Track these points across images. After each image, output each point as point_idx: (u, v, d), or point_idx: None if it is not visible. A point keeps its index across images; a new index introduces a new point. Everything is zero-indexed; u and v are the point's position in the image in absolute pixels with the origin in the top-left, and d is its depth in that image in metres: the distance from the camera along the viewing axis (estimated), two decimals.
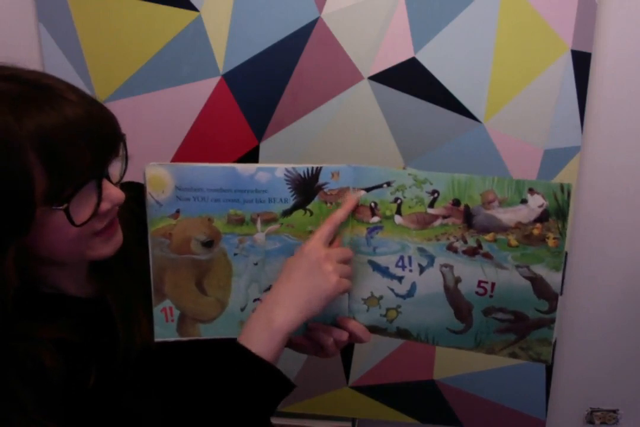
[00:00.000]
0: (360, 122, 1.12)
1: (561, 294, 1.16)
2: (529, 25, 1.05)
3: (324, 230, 0.68)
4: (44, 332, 0.59)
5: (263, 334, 0.64)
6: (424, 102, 1.10)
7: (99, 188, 0.58)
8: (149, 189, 0.66)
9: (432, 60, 1.08)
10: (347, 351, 1.24)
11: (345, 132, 1.13)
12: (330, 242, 0.70)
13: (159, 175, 0.66)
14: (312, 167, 0.68)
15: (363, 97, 1.11)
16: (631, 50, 1.07)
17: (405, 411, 1.28)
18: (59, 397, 0.58)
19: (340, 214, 0.69)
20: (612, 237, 1.16)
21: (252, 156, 1.14)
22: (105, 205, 0.59)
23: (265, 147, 1.14)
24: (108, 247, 0.63)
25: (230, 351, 0.64)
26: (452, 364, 1.23)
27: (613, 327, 1.21)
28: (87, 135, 0.55)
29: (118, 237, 0.64)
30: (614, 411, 1.28)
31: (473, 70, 1.08)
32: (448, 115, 1.10)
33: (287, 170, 0.67)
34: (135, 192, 0.66)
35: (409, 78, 1.09)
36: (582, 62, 1.06)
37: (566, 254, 1.15)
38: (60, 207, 0.55)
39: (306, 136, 1.13)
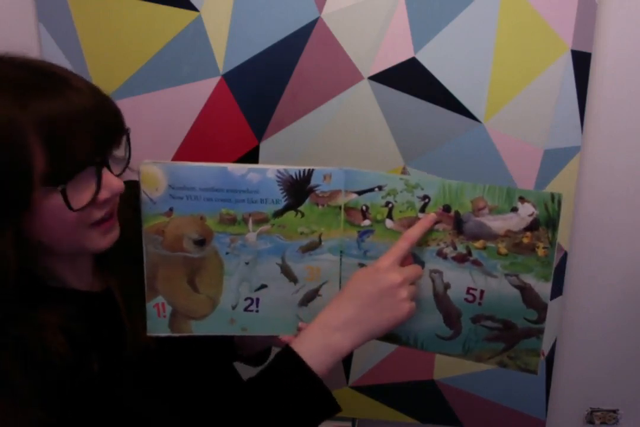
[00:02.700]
0: (360, 122, 1.12)
1: (561, 293, 1.17)
2: (529, 25, 1.05)
3: (400, 248, 0.66)
4: (49, 318, 0.60)
5: (321, 355, 0.63)
6: (424, 102, 1.10)
7: (99, 175, 0.59)
8: (142, 187, 0.67)
9: (432, 60, 1.08)
10: None
11: (345, 132, 1.13)
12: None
13: (152, 173, 0.66)
14: (304, 169, 0.68)
15: (363, 97, 1.11)
16: (631, 50, 1.07)
17: (405, 411, 1.28)
18: (61, 383, 0.58)
19: (416, 231, 0.67)
20: (612, 237, 1.16)
21: (252, 156, 1.14)
22: (104, 194, 0.60)
23: (265, 147, 1.14)
24: (105, 240, 0.63)
25: (288, 361, 0.64)
26: (452, 364, 1.23)
27: (613, 327, 1.21)
28: (91, 122, 0.57)
29: (116, 231, 0.64)
30: (614, 411, 1.28)
31: (473, 70, 1.08)
32: (448, 115, 1.10)
33: (278, 171, 0.68)
34: (138, 189, 0.67)
35: (409, 78, 1.09)
36: (582, 62, 1.06)
37: (566, 254, 1.15)
38: (58, 188, 0.56)
39: (306, 136, 1.13)
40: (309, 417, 0.64)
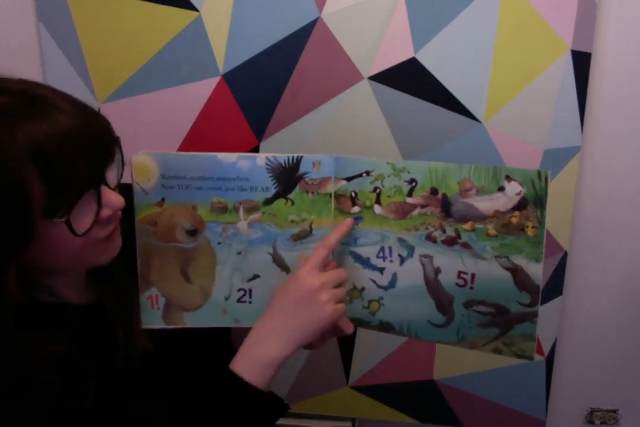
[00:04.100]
0: (360, 122, 1.12)
1: (561, 293, 1.17)
2: (529, 25, 1.05)
3: (318, 255, 0.68)
4: (42, 345, 0.59)
5: (255, 367, 0.65)
6: (424, 102, 1.10)
7: (98, 195, 0.58)
8: (135, 177, 0.67)
9: (432, 60, 1.08)
10: (347, 351, 1.24)
11: (345, 132, 1.13)
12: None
13: (144, 163, 0.67)
14: (293, 157, 0.69)
15: (363, 97, 1.10)
16: (631, 50, 1.07)
17: (405, 411, 1.28)
18: (51, 413, 0.57)
19: (333, 237, 0.69)
20: (612, 237, 1.16)
21: None
22: (105, 212, 0.59)
23: (265, 147, 1.14)
24: (107, 254, 0.63)
25: (226, 381, 0.65)
26: (452, 364, 1.23)
27: (613, 327, 1.21)
28: (82, 145, 0.55)
29: (117, 244, 0.64)
30: (614, 411, 1.28)
31: (473, 70, 1.08)
32: (448, 115, 1.10)
33: (267, 158, 0.68)
34: (131, 193, 0.66)
35: (409, 78, 1.09)
36: (582, 62, 1.06)
37: (566, 253, 1.15)
38: (62, 220, 0.55)
39: (306, 136, 1.13)
40: (258, 422, 0.67)
